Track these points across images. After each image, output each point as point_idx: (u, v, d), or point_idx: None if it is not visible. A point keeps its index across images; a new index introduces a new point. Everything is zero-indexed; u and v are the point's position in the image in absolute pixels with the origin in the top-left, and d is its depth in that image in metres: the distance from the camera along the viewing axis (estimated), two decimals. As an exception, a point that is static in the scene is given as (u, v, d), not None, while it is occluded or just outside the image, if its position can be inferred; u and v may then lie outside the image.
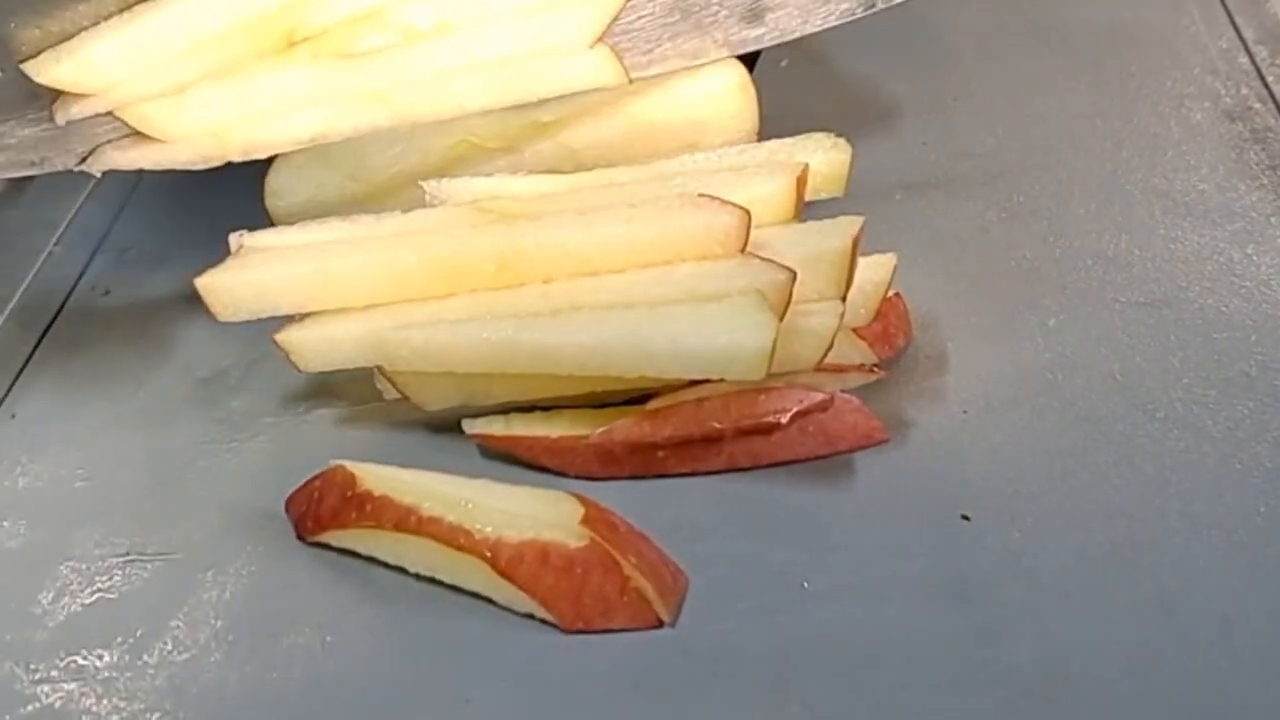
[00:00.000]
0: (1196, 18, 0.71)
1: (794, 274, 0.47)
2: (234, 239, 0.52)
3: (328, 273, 0.50)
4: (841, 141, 0.55)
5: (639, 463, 0.49)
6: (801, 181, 0.52)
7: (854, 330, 0.51)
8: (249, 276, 0.51)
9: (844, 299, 0.49)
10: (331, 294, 0.50)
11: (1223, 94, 0.65)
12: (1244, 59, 0.68)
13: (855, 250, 0.49)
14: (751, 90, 0.59)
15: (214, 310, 0.51)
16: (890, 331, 0.52)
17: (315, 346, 0.50)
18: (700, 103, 0.58)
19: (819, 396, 0.47)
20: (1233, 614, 0.42)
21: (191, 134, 0.55)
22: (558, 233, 0.50)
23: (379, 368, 0.50)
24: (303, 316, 0.51)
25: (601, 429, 0.49)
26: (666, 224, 0.49)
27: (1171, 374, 0.51)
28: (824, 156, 0.55)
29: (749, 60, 0.59)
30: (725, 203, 0.49)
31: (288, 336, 0.51)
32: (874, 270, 0.51)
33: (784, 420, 0.47)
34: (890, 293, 0.52)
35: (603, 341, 0.47)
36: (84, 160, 0.55)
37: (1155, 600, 0.43)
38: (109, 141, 0.55)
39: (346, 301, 0.50)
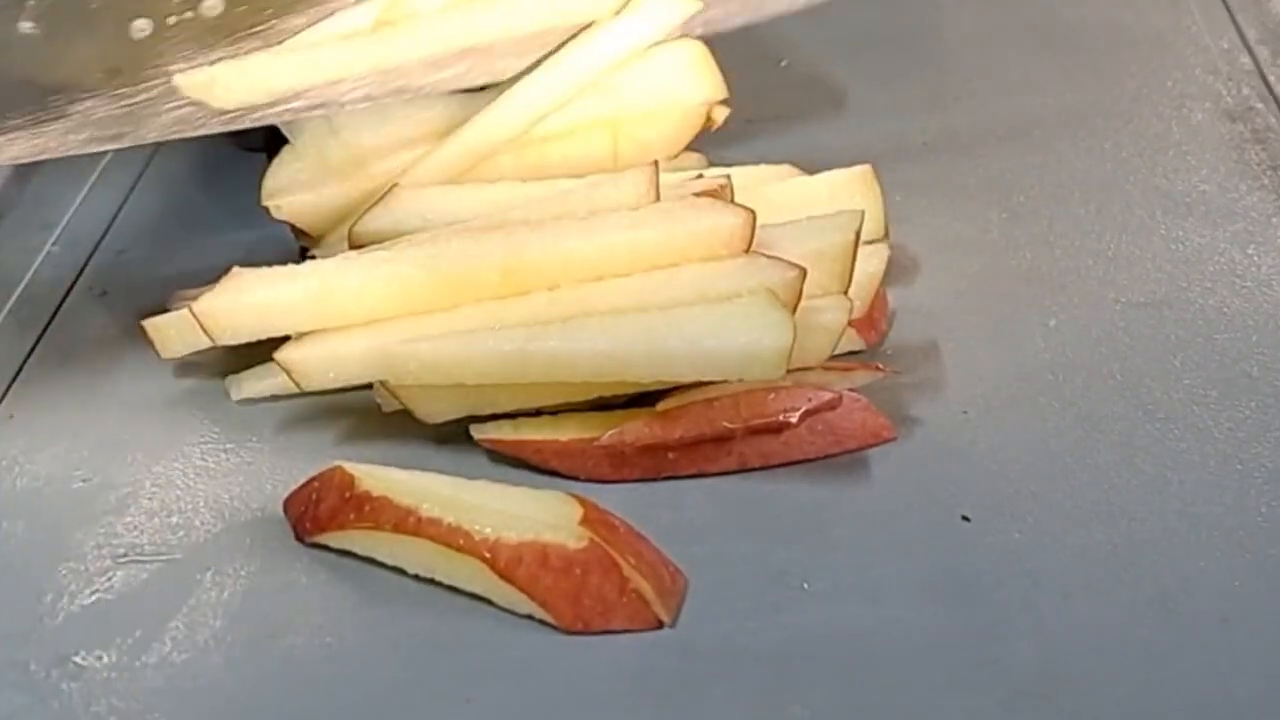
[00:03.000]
0: (1197, 17, 0.71)
1: (804, 271, 0.47)
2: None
3: (328, 290, 0.49)
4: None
5: (650, 464, 0.48)
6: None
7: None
8: (246, 299, 0.50)
9: (847, 293, 0.49)
10: (333, 312, 0.50)
11: (1224, 94, 0.65)
12: (1245, 59, 0.68)
13: (857, 245, 0.49)
14: (712, 60, 0.59)
15: (212, 334, 0.50)
16: (875, 317, 0.53)
17: (317, 364, 0.50)
18: (663, 72, 0.59)
19: (828, 395, 0.47)
20: (1233, 614, 0.42)
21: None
22: (561, 239, 0.50)
23: (381, 382, 0.49)
24: (302, 334, 0.50)
25: (612, 431, 0.48)
26: (671, 227, 0.49)
27: (1172, 374, 0.51)
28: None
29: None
30: (728, 203, 0.49)
31: (287, 355, 0.50)
32: (867, 262, 0.51)
33: (794, 419, 0.47)
34: None
35: (619, 347, 0.46)
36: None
37: (1155, 600, 0.43)
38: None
39: (349, 319, 0.50)
